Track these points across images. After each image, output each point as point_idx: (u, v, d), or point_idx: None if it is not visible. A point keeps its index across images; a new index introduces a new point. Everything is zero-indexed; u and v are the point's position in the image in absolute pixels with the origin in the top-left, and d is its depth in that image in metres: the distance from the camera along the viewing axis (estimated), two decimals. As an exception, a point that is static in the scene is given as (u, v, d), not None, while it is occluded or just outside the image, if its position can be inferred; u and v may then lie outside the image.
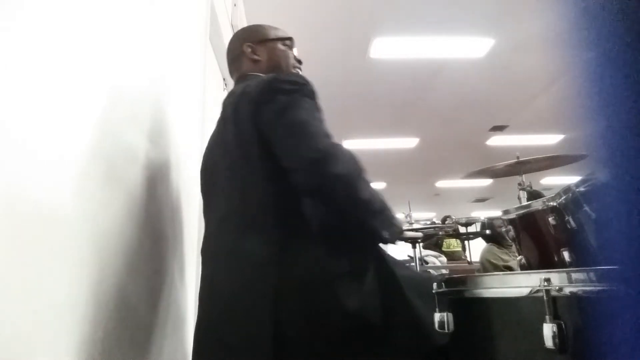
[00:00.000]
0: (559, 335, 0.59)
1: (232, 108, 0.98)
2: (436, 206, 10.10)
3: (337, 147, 0.88)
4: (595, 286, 0.58)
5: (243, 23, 2.94)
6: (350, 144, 6.02)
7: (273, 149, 0.89)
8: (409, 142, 6.08)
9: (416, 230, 2.42)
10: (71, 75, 0.67)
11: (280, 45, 1.14)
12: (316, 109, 0.94)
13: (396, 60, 3.90)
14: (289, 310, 0.80)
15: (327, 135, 0.90)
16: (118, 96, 0.85)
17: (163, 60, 1.14)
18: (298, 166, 0.86)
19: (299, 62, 1.16)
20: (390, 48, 3.68)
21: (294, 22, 3.39)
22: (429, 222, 2.61)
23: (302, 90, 0.93)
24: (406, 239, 1.05)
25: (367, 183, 0.90)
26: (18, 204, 0.53)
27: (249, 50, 1.12)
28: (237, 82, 1.13)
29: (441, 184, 8.27)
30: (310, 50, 3.84)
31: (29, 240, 0.55)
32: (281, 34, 1.16)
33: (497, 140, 5.99)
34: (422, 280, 0.93)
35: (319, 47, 3.60)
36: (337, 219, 0.92)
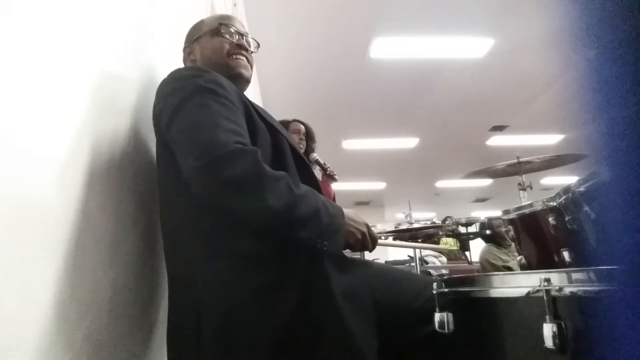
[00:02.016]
0: (559, 335, 0.59)
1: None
2: (436, 206, 10.10)
3: (234, 148, 0.72)
4: (595, 286, 0.58)
5: (243, 23, 2.94)
6: (350, 144, 6.02)
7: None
8: (409, 142, 6.08)
9: (411, 230, 2.42)
10: (71, 74, 0.67)
11: (211, 38, 1.01)
12: (215, 101, 0.79)
13: (396, 60, 3.90)
14: (209, 329, 0.74)
15: (229, 131, 0.75)
16: (118, 95, 0.85)
17: (163, 60, 1.14)
18: (189, 178, 0.73)
19: (239, 46, 1.01)
20: (390, 48, 3.68)
21: (294, 23, 3.40)
22: (429, 222, 2.61)
23: (194, 84, 0.80)
24: (363, 248, 0.87)
25: (282, 186, 0.74)
26: (10, 203, 0.53)
27: (186, 52, 1.06)
28: None
29: (441, 184, 8.28)
30: (311, 51, 3.84)
31: (22, 239, 0.55)
32: (214, 25, 1.03)
33: (497, 140, 5.99)
34: (362, 289, 0.82)
35: (319, 47, 3.60)
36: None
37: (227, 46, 1.00)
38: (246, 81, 1.03)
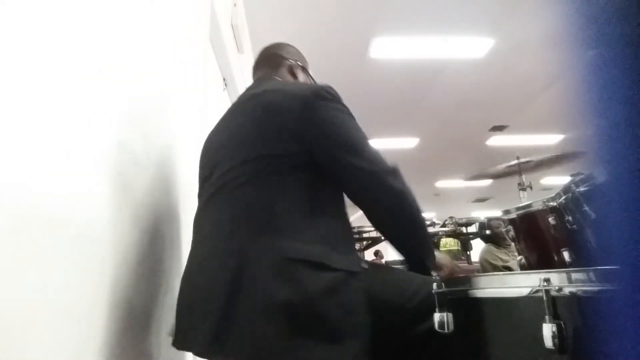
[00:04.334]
0: (559, 336, 0.59)
1: (267, 100, 0.94)
2: (436, 206, 10.10)
3: (392, 166, 0.94)
4: (595, 286, 0.58)
5: (243, 23, 2.94)
6: (350, 144, 6.01)
7: (322, 148, 0.88)
8: (409, 142, 6.08)
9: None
10: (71, 76, 0.67)
11: (307, 75, 1.20)
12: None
13: (396, 60, 3.90)
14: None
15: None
16: (118, 96, 0.85)
17: (163, 60, 1.14)
18: (372, 171, 0.88)
19: None
20: (390, 48, 3.69)
21: (294, 22, 3.40)
22: (428, 223, 2.61)
23: (348, 109, 0.97)
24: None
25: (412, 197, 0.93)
26: (11, 203, 0.53)
27: (294, 67, 1.16)
28: (261, 79, 1.11)
29: (441, 184, 8.28)
30: (310, 50, 3.83)
31: (37, 243, 0.55)
32: (308, 66, 1.24)
33: (497, 140, 5.99)
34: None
35: (318, 47, 3.60)
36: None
37: None
38: None
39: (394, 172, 0.91)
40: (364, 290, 0.82)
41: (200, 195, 1.02)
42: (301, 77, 1.17)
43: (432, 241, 3.86)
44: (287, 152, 0.87)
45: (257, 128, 0.91)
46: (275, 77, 1.12)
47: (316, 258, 0.79)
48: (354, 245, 0.93)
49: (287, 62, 1.16)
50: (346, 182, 0.90)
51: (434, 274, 0.99)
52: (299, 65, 1.18)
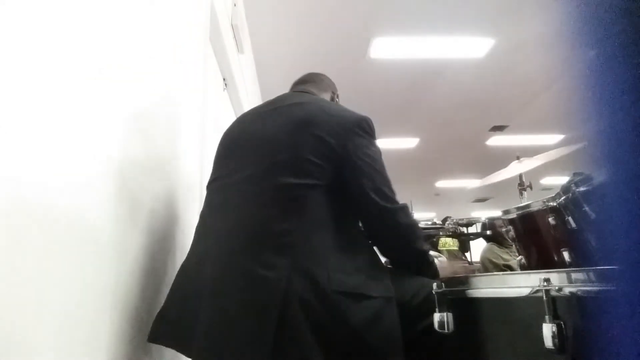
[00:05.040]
0: (559, 336, 0.59)
1: (310, 111, 0.97)
2: (436, 206, 10.10)
3: (403, 204, 1.03)
4: (595, 286, 0.58)
5: (243, 23, 2.94)
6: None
7: (350, 172, 0.92)
8: (409, 142, 6.08)
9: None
10: (70, 76, 0.67)
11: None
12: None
13: (396, 60, 3.90)
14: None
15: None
16: (118, 96, 0.85)
17: (163, 60, 1.14)
18: (387, 208, 0.94)
19: None
20: (390, 48, 3.68)
21: (294, 22, 3.40)
22: (429, 223, 2.61)
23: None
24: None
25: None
26: (12, 203, 0.53)
27: (336, 96, 1.31)
28: (305, 92, 1.16)
29: (441, 184, 8.27)
30: (310, 50, 3.84)
31: (37, 244, 0.55)
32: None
33: (497, 140, 5.99)
34: None
35: (318, 47, 3.60)
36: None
37: None
38: None
39: (404, 209, 0.99)
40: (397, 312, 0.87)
41: (215, 188, 1.00)
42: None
43: (432, 241, 3.87)
44: (318, 165, 0.89)
45: (293, 135, 0.93)
46: (319, 95, 1.19)
47: (356, 289, 0.83)
48: (385, 270, 0.95)
49: (331, 91, 1.30)
50: (362, 209, 0.95)
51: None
52: (335, 93, 1.32)
